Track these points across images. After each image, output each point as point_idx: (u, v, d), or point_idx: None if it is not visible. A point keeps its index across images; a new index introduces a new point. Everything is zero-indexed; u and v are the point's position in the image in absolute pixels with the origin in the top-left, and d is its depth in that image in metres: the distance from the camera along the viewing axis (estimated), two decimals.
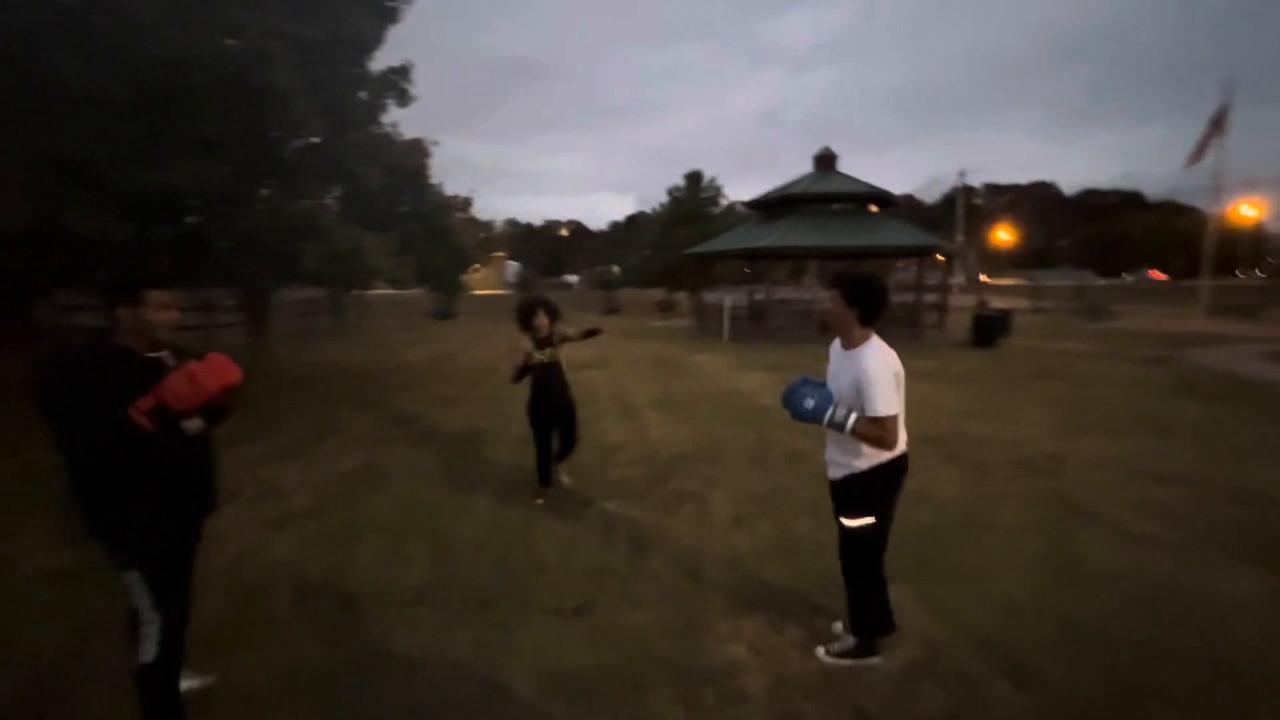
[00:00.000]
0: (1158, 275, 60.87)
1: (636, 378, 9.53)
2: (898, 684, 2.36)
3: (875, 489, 2.38)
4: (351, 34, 7.19)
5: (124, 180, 5.79)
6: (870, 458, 2.34)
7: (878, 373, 2.23)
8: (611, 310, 25.67)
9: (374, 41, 7.46)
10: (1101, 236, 67.78)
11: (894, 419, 2.25)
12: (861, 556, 2.46)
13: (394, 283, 7.73)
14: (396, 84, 8.00)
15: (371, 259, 6.57)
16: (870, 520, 2.38)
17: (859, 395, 2.25)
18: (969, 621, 2.79)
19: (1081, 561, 3.40)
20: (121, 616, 2.04)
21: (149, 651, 1.88)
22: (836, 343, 2.49)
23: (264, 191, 7.19)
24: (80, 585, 2.98)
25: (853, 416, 2.23)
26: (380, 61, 7.91)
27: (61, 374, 1.71)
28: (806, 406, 2.27)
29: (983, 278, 45.12)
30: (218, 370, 1.70)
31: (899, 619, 2.58)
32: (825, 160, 17.05)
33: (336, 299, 18.47)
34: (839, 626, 2.66)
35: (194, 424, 1.93)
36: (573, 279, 57.01)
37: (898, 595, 2.98)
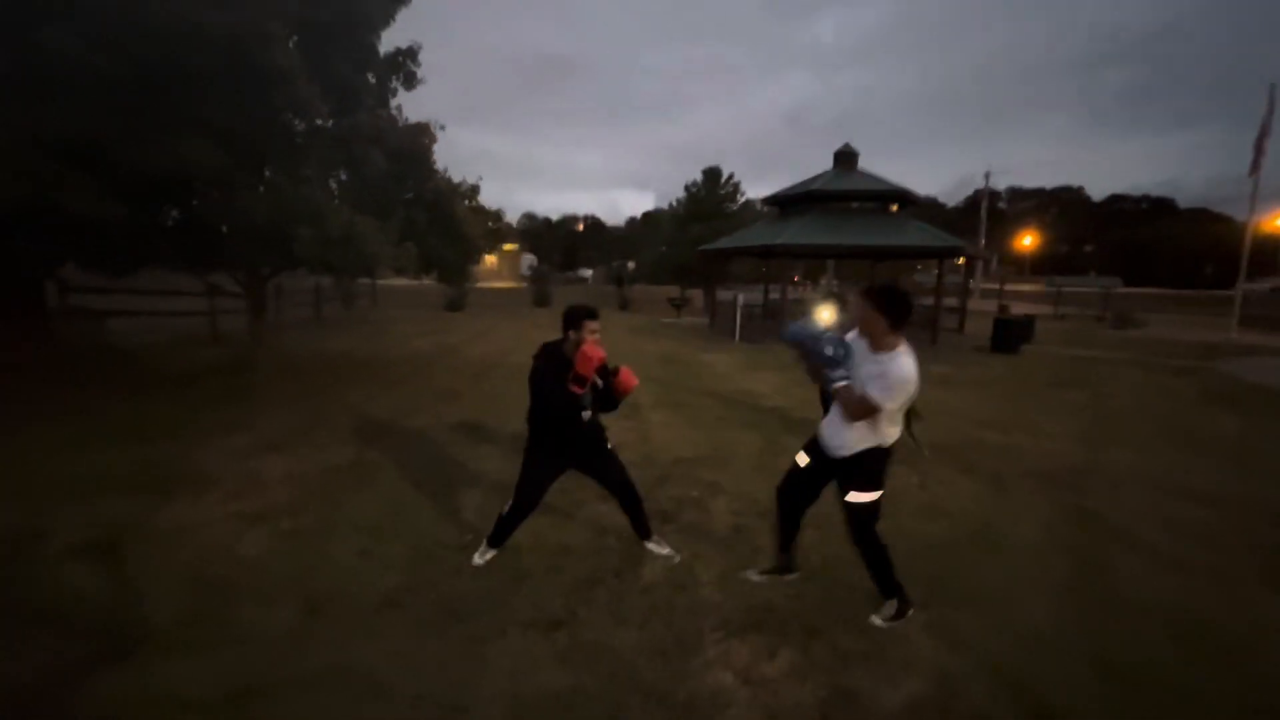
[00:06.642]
0: None
1: (642, 376, 9.29)
2: None
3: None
4: (360, 13, 7.01)
5: (121, 160, 5.65)
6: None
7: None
8: (623, 306, 25.43)
9: (382, 21, 7.27)
10: (1128, 243, 66.04)
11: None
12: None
13: (399, 271, 7.51)
14: (404, 66, 7.81)
15: (368, 245, 6.36)
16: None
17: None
18: (988, 653, 2.52)
19: (1114, 589, 3.11)
20: None
21: (505, 508, 3.19)
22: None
23: (266, 174, 7.05)
24: None
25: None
26: (390, 44, 7.76)
27: (542, 359, 3.02)
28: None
29: (999, 284, 44.01)
30: (593, 354, 2.81)
31: (907, 648, 2.38)
32: (845, 157, 16.61)
33: (347, 288, 18.34)
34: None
35: (587, 414, 3.14)
36: (587, 273, 57.03)
37: (907, 622, 2.74)
